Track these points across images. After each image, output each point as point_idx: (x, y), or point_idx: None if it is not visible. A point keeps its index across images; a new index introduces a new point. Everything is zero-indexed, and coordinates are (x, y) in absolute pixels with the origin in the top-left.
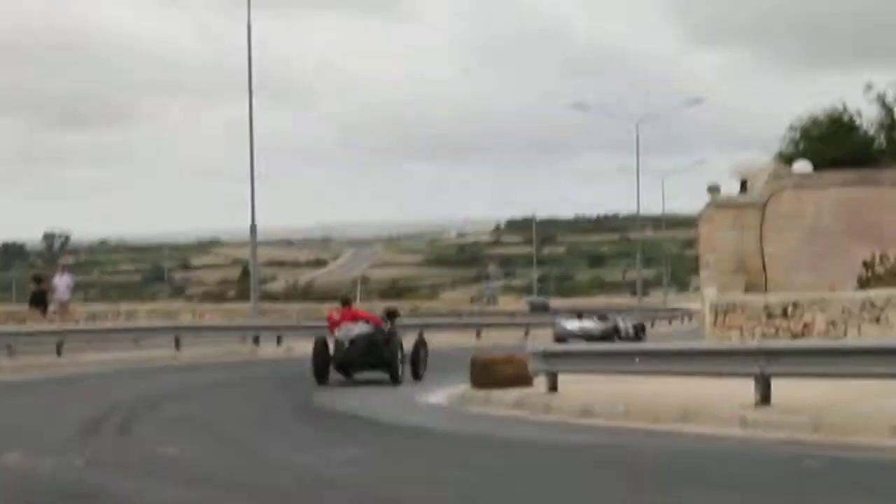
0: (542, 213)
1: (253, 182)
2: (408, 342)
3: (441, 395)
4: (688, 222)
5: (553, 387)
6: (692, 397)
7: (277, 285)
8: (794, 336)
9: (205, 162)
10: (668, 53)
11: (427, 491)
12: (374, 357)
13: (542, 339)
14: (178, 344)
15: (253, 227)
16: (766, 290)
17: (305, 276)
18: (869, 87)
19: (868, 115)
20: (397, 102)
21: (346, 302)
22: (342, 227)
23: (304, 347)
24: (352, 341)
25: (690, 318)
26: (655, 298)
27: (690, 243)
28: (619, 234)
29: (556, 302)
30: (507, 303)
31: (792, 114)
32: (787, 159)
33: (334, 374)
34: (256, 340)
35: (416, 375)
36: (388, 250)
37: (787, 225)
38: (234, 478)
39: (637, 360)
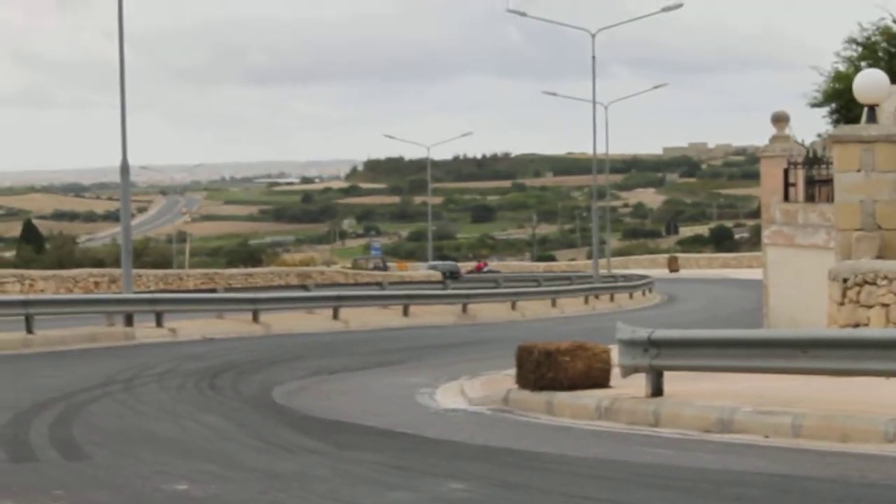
0: (413, 152)
1: (124, 111)
2: None
3: (453, 397)
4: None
5: (657, 390)
6: (871, 404)
7: (92, 244)
8: None
9: None
10: None
11: None
12: None
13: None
14: (29, 324)
15: (125, 168)
16: None
17: (108, 232)
18: None
19: None
20: (214, 10)
21: None
22: (148, 169)
23: (193, 329)
24: None
25: (651, 290)
26: (563, 263)
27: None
28: (511, 181)
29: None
30: (402, 269)
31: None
32: (845, 81)
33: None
34: (130, 320)
35: None
36: (210, 199)
37: None
38: None
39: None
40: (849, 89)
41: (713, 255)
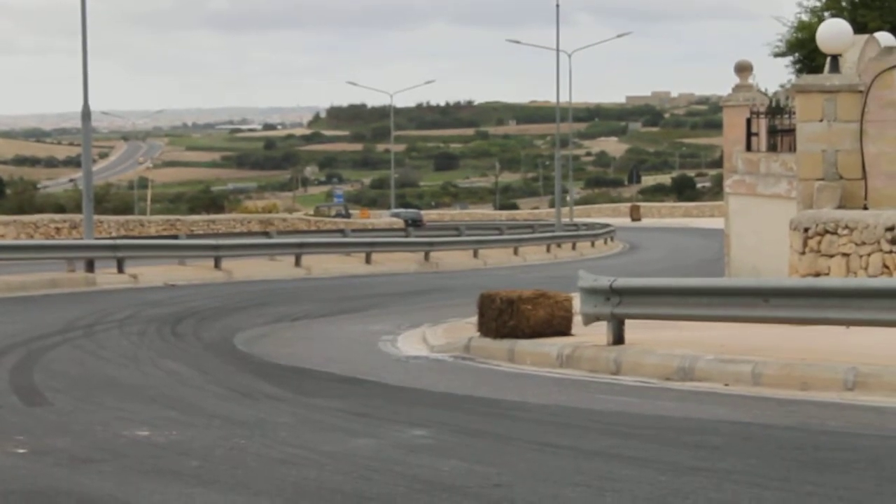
0: (376, 100)
1: (85, 57)
2: None
3: (415, 344)
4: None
5: (618, 338)
6: (831, 352)
7: (54, 189)
8: None
9: None
10: None
11: None
12: None
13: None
14: None
15: (86, 114)
16: (865, 202)
17: (70, 178)
18: None
19: None
20: None
21: None
22: (109, 115)
23: (155, 275)
24: None
25: (612, 239)
26: (525, 212)
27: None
28: (475, 129)
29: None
30: (364, 217)
31: None
32: (808, 31)
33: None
34: (91, 266)
35: None
36: (172, 146)
37: None
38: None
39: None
40: (812, 39)
41: (675, 204)
